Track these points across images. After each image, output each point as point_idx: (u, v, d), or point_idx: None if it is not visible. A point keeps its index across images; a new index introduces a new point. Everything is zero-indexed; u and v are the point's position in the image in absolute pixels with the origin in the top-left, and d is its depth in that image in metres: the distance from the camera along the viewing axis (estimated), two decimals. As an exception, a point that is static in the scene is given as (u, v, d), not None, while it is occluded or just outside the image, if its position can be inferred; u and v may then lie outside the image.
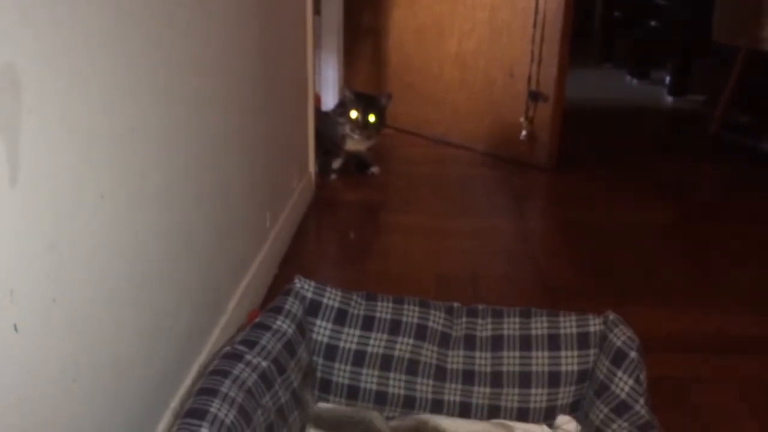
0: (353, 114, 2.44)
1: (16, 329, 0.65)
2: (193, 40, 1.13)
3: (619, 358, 1.04)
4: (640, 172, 2.75)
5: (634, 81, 4.31)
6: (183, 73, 1.08)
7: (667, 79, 3.99)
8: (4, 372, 0.65)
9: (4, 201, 0.63)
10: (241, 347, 0.96)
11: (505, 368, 1.12)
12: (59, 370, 0.74)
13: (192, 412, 0.81)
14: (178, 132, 1.07)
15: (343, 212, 2.34)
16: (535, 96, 2.61)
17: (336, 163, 2.52)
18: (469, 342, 1.14)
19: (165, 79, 1.00)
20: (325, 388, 1.13)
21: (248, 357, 0.95)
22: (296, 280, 1.13)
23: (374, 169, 2.58)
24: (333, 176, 2.51)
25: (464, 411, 1.12)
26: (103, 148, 0.82)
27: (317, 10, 2.75)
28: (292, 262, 1.84)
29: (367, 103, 2.46)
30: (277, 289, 1.64)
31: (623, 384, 1.01)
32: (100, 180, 0.81)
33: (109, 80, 0.82)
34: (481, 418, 1.11)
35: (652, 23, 3.99)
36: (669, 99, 3.91)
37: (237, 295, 1.41)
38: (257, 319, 1.04)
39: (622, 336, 1.05)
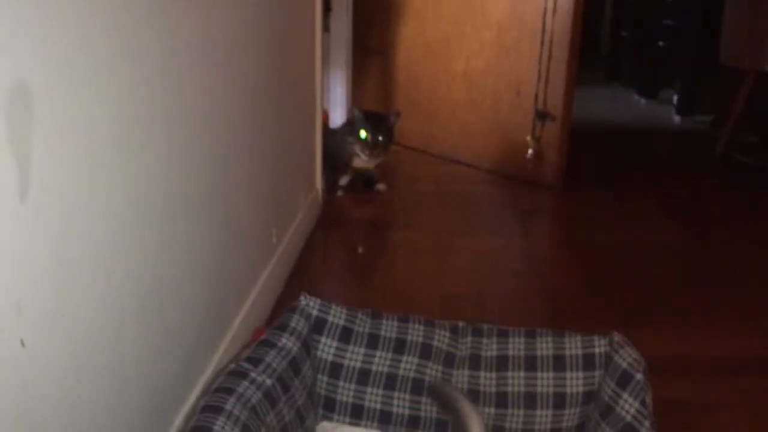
0: (362, 133, 2.45)
1: (22, 344, 0.66)
2: (204, 57, 1.14)
3: (624, 380, 1.03)
4: (648, 191, 2.75)
5: (642, 100, 4.32)
6: (192, 89, 1.09)
7: (675, 98, 3.99)
8: (10, 386, 0.65)
9: (14, 217, 0.64)
10: (246, 365, 0.96)
11: (510, 389, 1.12)
12: (63, 384, 0.74)
13: (196, 430, 0.81)
14: (186, 148, 1.08)
15: (350, 229, 2.34)
16: (542, 115, 2.61)
17: (343, 180, 2.53)
18: (474, 361, 1.14)
19: (174, 95, 1.01)
20: (330, 406, 1.13)
21: (253, 375, 0.95)
22: (302, 298, 1.13)
23: (380, 186, 2.59)
24: (340, 193, 2.52)
25: None
26: (112, 164, 0.82)
27: (326, 27, 2.77)
28: (298, 278, 1.84)
29: (376, 123, 2.46)
30: (282, 305, 1.64)
31: (628, 406, 1.01)
32: (108, 196, 0.82)
33: (119, 97, 0.83)
34: (486, 439, 1.11)
35: (660, 43, 4.00)
36: (677, 118, 3.91)
37: (243, 311, 1.41)
38: (262, 337, 1.04)
39: (627, 358, 1.05)
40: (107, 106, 0.80)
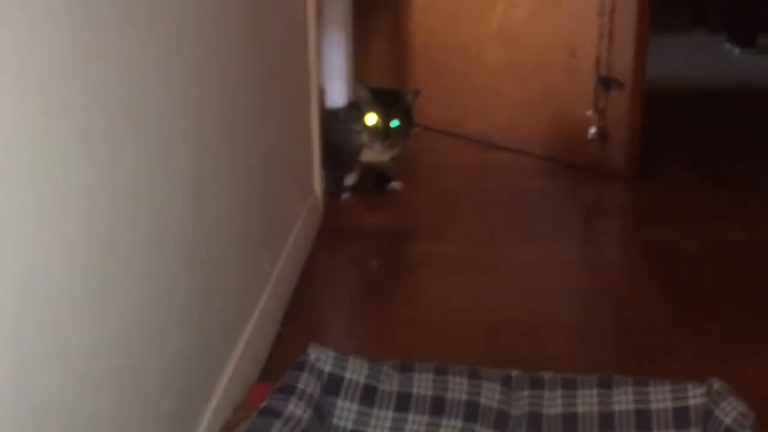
0: (371, 119, 2.45)
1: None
2: (175, 36, 1.18)
3: (729, 441, 1.06)
4: (747, 176, 2.76)
5: (736, 50, 4.32)
6: (166, 85, 1.13)
7: (780, 47, 4.00)
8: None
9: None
10: (245, 442, 1.01)
11: (581, 456, 1.16)
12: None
13: None
14: (156, 159, 1.11)
15: (360, 242, 2.37)
16: (606, 82, 2.64)
17: (349, 179, 2.54)
18: (534, 422, 1.18)
19: (137, 98, 1.05)
20: (352, 487, 1.17)
21: (256, 455, 0.99)
22: (310, 351, 1.17)
23: (395, 184, 2.60)
24: (345, 195, 2.54)
25: None
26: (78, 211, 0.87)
27: (318, -22, 2.80)
28: (298, 312, 1.87)
29: (388, 103, 2.46)
30: (281, 351, 1.68)
31: (736, 474, 1.04)
32: (69, 245, 0.86)
33: (82, 120, 0.88)
34: None
35: (758, -25, 4.01)
36: (783, 74, 3.92)
37: (231, 364, 1.45)
38: (263, 404, 1.08)
39: (731, 411, 1.08)
40: (69, 142, 0.84)
